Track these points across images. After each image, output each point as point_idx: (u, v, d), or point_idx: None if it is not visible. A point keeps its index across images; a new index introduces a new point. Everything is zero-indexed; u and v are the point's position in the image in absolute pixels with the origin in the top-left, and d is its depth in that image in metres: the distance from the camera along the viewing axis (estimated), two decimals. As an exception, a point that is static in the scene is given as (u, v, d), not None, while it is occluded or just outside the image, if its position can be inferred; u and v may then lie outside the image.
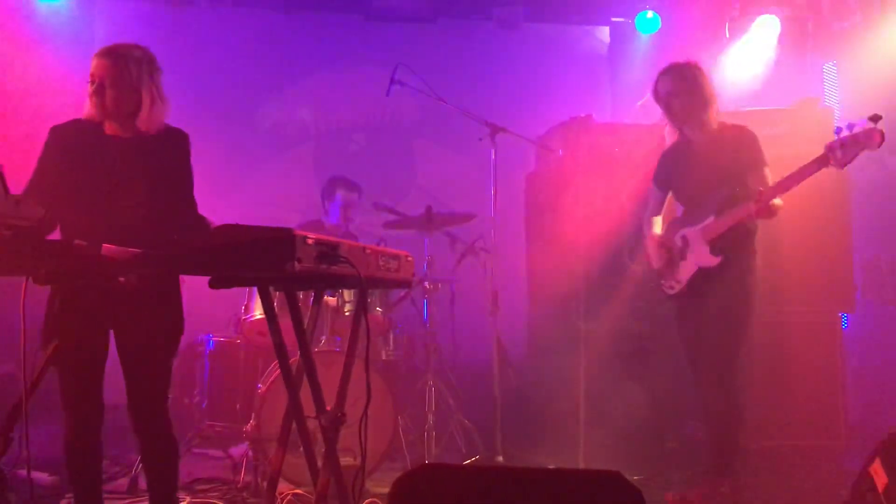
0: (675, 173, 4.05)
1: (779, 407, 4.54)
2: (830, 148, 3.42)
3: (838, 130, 3.41)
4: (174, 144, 3.08)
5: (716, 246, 3.77)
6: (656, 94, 3.95)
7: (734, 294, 3.76)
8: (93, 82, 2.97)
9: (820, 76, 5.82)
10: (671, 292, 4.01)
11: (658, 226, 4.16)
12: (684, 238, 3.93)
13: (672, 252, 3.98)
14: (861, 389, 5.34)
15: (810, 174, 3.51)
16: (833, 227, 4.72)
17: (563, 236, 4.79)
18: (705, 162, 3.85)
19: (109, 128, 3.02)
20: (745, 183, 3.75)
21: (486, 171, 4.70)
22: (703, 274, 3.84)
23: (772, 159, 3.80)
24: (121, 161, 2.97)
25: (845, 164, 3.43)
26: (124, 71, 2.96)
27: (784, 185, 3.59)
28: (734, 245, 3.77)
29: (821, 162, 3.47)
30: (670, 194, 4.15)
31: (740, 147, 3.80)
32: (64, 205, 2.87)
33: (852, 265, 4.85)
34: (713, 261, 3.78)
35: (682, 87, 3.85)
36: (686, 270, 3.91)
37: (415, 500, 1.80)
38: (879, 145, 3.32)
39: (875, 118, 3.33)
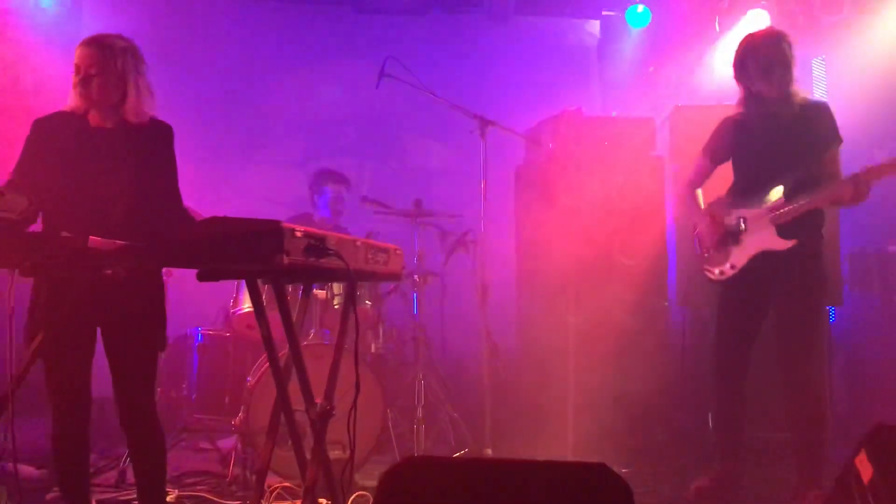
0: (745, 147, 3.81)
1: (767, 399, 4.55)
2: None
3: None
4: (158, 136, 3.07)
5: (786, 229, 3.62)
6: (762, 59, 3.66)
7: (813, 284, 3.65)
8: (78, 72, 2.95)
9: (809, 71, 5.83)
10: (717, 277, 3.84)
11: (702, 198, 4.00)
12: (742, 220, 3.76)
13: (725, 233, 3.80)
14: (848, 382, 5.38)
15: None
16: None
17: (552, 230, 4.79)
18: (786, 138, 3.66)
19: (93, 119, 3.00)
20: (820, 162, 3.61)
21: (476, 164, 4.70)
22: (766, 258, 3.69)
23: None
24: (105, 152, 2.96)
25: None
26: (110, 60, 2.95)
27: (890, 168, 3.42)
28: (808, 229, 3.63)
29: None
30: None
31: (820, 122, 3.65)
32: (48, 196, 2.85)
33: (840, 259, 4.87)
34: (783, 244, 3.62)
35: (789, 56, 3.63)
36: (742, 254, 3.75)
37: (403, 493, 1.81)
38: None
39: None
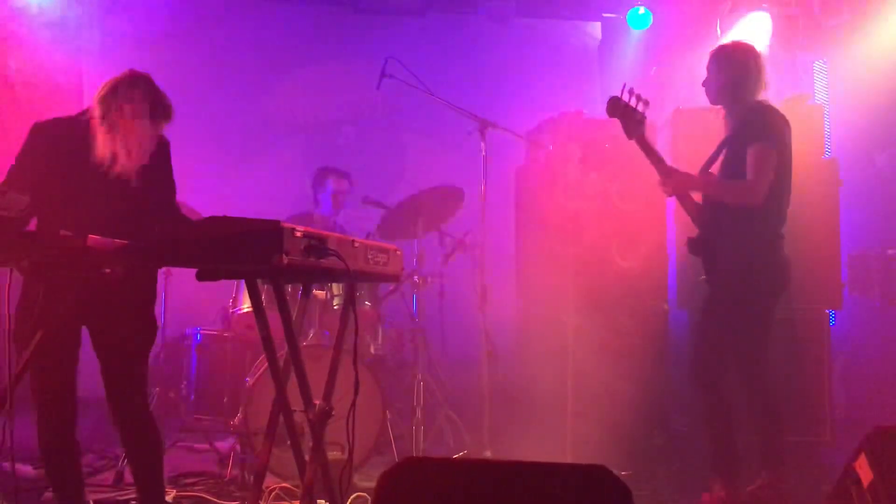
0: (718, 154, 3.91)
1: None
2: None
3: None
4: (158, 151, 3.04)
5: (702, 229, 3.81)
6: (763, 73, 3.80)
7: (713, 295, 3.76)
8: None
9: (810, 73, 5.84)
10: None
11: None
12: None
13: None
14: (848, 386, 5.37)
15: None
16: (821, 224, 4.72)
17: (552, 232, 4.78)
18: (728, 143, 3.78)
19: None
20: (744, 162, 3.62)
21: (476, 165, 4.69)
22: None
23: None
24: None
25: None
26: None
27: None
28: (713, 230, 3.75)
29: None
30: None
31: (747, 124, 3.68)
32: (45, 197, 2.84)
33: (840, 262, 4.86)
34: (692, 247, 3.82)
35: (717, 72, 3.77)
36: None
37: (401, 494, 1.80)
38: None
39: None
